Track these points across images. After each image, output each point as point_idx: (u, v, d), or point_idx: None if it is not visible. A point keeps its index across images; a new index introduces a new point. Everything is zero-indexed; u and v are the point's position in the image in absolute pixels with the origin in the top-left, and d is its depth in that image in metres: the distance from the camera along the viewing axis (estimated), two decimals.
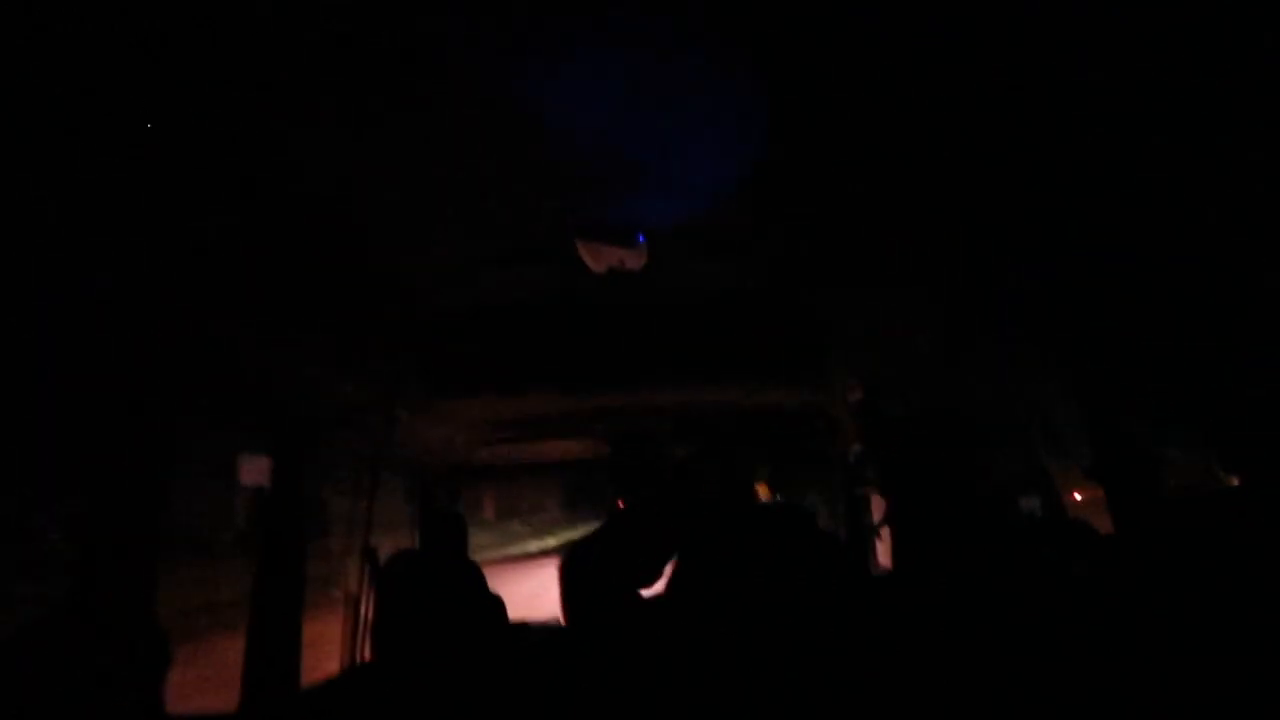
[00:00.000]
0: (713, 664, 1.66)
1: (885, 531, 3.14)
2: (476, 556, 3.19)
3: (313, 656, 2.71)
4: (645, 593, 2.12)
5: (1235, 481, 1.95)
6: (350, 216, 2.09)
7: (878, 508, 3.45)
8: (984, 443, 2.65)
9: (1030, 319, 2.46)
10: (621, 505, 3.47)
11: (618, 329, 2.92)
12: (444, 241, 2.46)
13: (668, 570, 2.14)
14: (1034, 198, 2.05)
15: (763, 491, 4.05)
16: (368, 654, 2.90)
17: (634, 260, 2.40)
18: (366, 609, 2.90)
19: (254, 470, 2.85)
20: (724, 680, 1.62)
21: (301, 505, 2.78)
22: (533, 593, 7.29)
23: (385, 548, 3.41)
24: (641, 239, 2.12)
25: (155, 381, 2.16)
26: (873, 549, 3.53)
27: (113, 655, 1.81)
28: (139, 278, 1.97)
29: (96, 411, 2.15)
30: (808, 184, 2.04)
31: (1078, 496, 3.16)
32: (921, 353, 2.71)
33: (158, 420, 2.16)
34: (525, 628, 2.81)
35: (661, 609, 2.21)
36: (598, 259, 2.44)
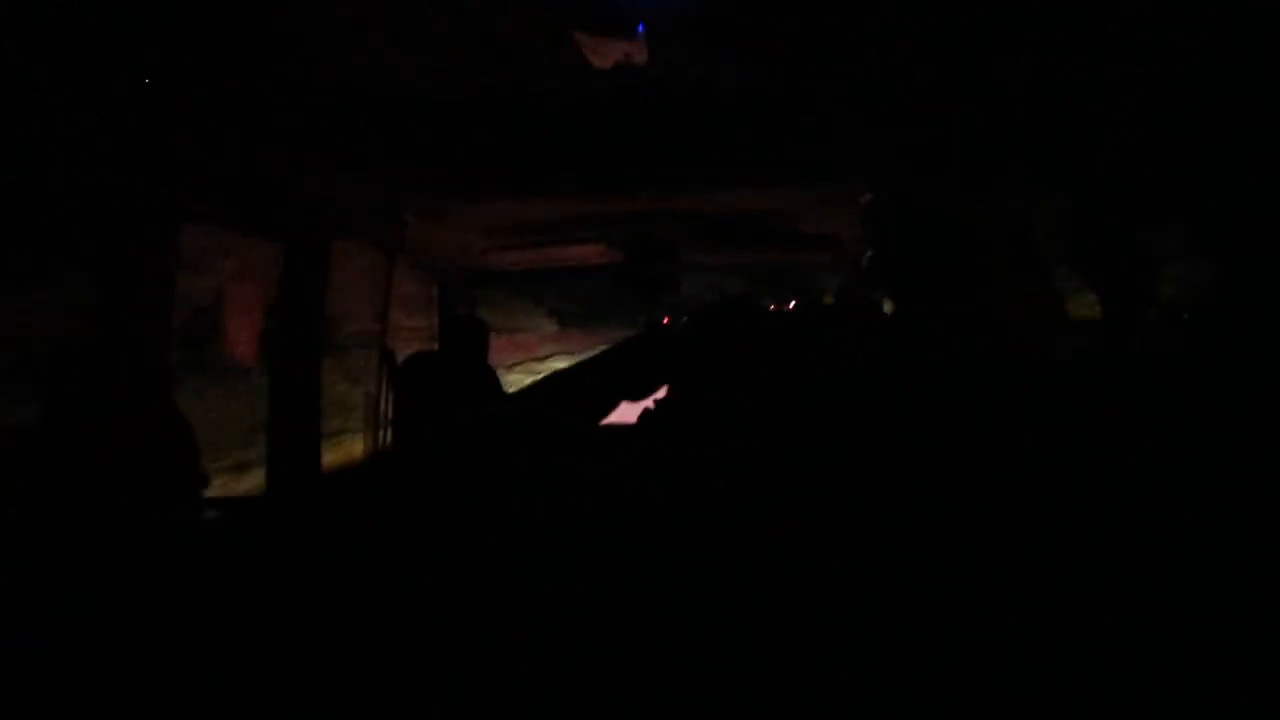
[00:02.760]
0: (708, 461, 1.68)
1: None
2: None
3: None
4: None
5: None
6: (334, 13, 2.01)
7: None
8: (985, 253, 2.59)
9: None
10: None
11: (628, 130, 2.83)
12: (438, 32, 2.36)
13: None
14: None
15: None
16: (387, 445, 3.05)
17: (639, 54, 2.29)
18: (385, 407, 3.02)
19: None
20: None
21: (319, 310, 2.83)
22: None
23: (408, 351, 3.50)
24: (641, 29, 2.01)
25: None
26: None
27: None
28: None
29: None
30: None
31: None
32: (927, 163, 2.63)
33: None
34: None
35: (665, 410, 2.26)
36: (601, 54, 2.33)
